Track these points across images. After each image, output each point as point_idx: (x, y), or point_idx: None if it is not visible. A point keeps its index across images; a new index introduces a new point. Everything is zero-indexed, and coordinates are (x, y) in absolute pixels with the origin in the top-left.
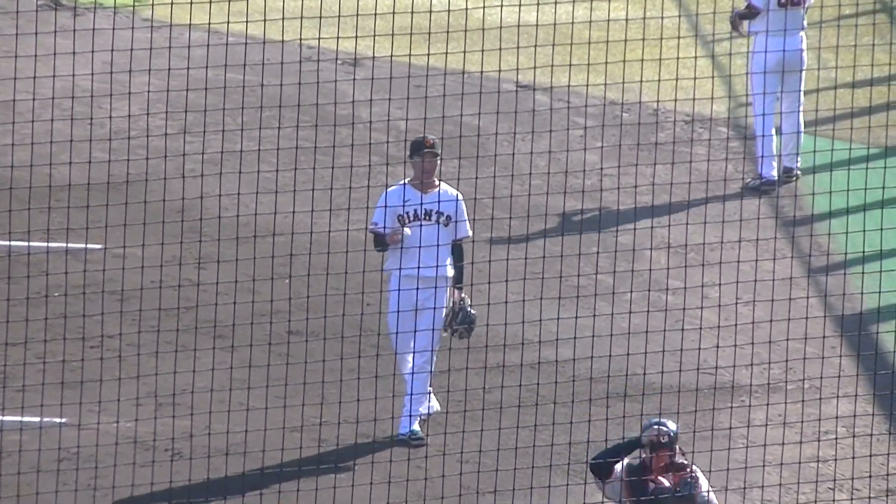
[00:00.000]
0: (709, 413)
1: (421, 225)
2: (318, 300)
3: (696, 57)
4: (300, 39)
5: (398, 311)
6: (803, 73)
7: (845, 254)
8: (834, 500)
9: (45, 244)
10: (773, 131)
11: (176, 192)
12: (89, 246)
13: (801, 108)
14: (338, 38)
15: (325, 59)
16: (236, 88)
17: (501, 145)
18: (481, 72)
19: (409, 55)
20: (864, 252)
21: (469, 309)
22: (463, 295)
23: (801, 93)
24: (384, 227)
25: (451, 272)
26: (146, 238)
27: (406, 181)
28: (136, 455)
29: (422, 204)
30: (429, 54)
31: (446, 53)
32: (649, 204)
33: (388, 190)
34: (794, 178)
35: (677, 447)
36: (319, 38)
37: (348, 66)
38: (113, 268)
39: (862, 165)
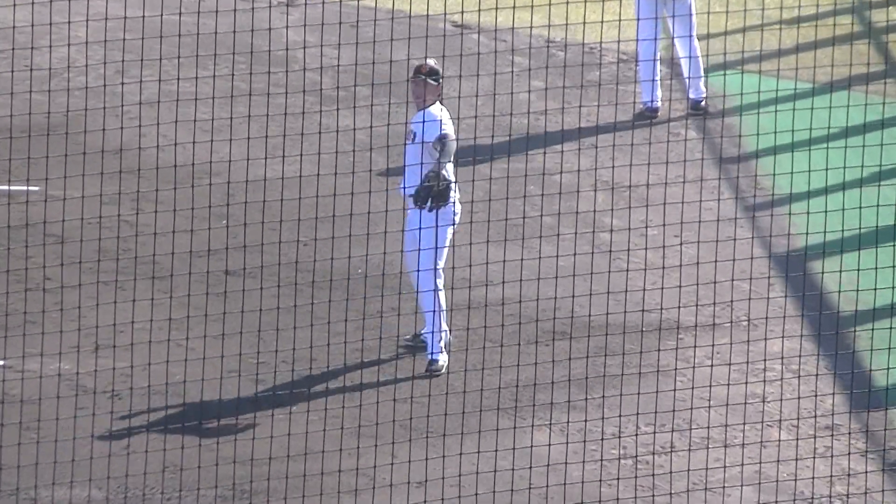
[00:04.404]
0: (652, 352)
1: (406, 145)
2: (256, 241)
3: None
4: None
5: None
6: None
7: (790, 194)
8: (778, 439)
9: None
10: (659, 56)
11: (111, 134)
12: (27, 188)
13: (694, 33)
14: None
15: (259, 3)
16: (172, 30)
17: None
18: (438, 15)
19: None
20: (808, 191)
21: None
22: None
23: (693, 16)
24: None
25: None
26: (76, 180)
27: None
28: (78, 399)
29: (406, 125)
30: None
31: None
32: (591, 144)
33: None
34: (703, 112)
35: None
36: None
37: (283, 6)
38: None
39: (803, 103)
